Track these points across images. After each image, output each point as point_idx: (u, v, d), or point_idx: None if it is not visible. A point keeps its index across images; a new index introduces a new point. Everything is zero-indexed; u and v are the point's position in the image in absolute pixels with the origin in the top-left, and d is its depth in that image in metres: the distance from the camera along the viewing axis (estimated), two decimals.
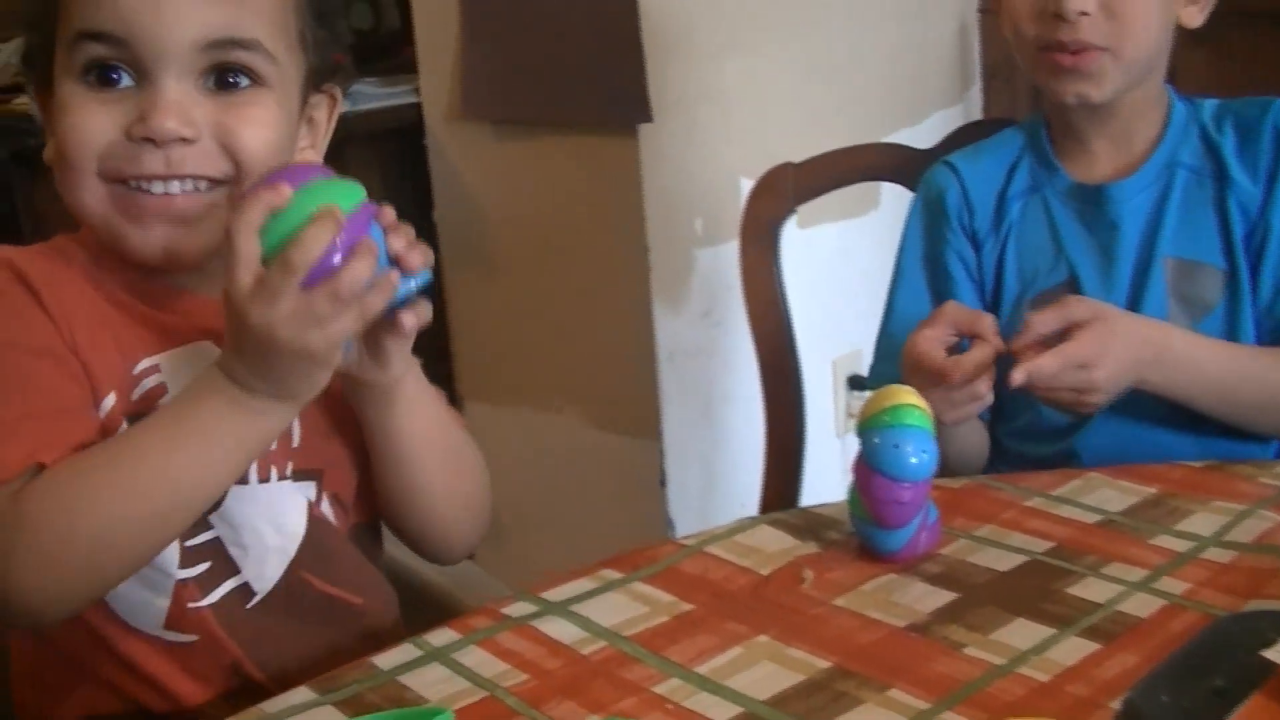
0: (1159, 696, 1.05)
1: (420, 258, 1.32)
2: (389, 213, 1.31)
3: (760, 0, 2.96)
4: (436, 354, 3.16)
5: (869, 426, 1.46)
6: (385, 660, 1.34)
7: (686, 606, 1.42)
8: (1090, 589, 1.39)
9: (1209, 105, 1.92)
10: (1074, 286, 1.88)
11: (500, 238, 3.07)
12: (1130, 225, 1.88)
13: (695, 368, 2.97)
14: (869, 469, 1.45)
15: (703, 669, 1.30)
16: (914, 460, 1.43)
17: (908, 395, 1.46)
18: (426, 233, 3.06)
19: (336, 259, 1.23)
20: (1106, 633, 1.31)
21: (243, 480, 1.40)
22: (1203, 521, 1.51)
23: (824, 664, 1.29)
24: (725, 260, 2.80)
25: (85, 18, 1.33)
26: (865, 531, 1.48)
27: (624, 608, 1.39)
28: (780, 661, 1.31)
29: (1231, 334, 1.84)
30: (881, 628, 1.35)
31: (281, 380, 1.28)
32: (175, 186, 1.36)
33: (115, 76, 1.34)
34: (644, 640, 1.36)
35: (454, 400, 3.21)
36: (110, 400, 1.35)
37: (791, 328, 2.23)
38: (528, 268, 3.05)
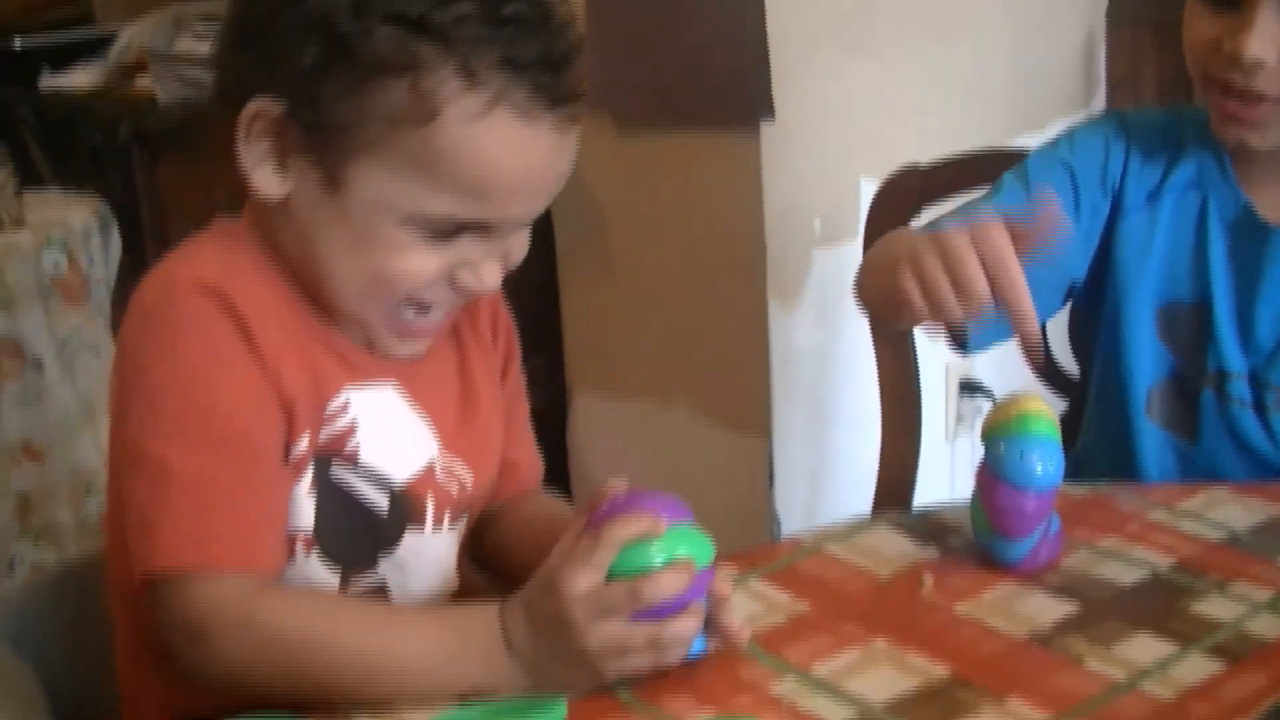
0: None
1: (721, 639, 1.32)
2: (724, 585, 1.33)
3: (887, 5, 2.93)
4: (548, 344, 3.16)
5: (995, 434, 1.44)
6: None
7: (803, 606, 1.41)
8: (1214, 607, 1.37)
9: None
10: (1204, 313, 1.78)
11: (617, 232, 3.07)
12: None
13: (808, 368, 2.95)
14: (993, 477, 1.43)
15: (819, 671, 1.29)
16: (1039, 470, 1.41)
17: (1035, 403, 1.45)
18: (543, 224, 3.07)
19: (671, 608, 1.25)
20: (1232, 653, 1.28)
21: (418, 523, 1.41)
22: None
23: (942, 671, 1.28)
24: (842, 261, 2.77)
25: (465, 208, 1.28)
26: (987, 540, 1.47)
27: (741, 605, 1.37)
28: (898, 666, 1.29)
29: None
30: (1001, 638, 1.34)
31: (548, 672, 1.26)
32: (445, 313, 1.39)
33: (459, 233, 1.31)
34: (760, 639, 1.35)
35: (563, 390, 3.20)
36: (303, 444, 1.33)
37: (911, 332, 2.20)
38: (643, 262, 3.04)
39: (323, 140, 1.28)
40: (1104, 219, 1.84)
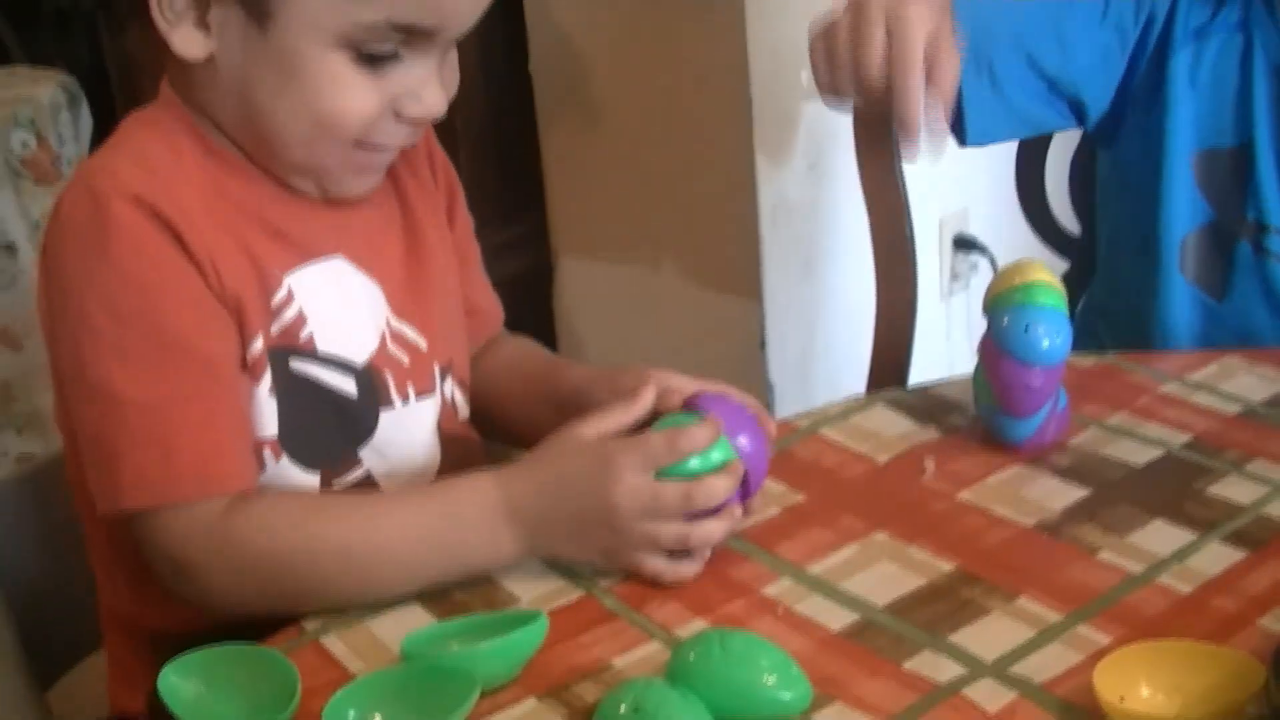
0: None
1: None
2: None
3: None
4: (531, 207, 3.09)
5: (998, 305, 1.37)
6: None
7: (798, 497, 1.34)
8: (1233, 488, 1.30)
9: None
10: (1245, 157, 1.70)
11: (597, 89, 2.98)
12: None
13: (799, 223, 2.88)
14: (998, 351, 1.35)
15: (816, 569, 1.23)
16: (1046, 344, 1.34)
17: (1040, 272, 1.37)
18: (521, 83, 2.99)
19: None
20: (1253, 539, 1.22)
21: (388, 402, 1.36)
22: None
23: (947, 566, 1.22)
24: (831, 114, 2.69)
25: (402, 9, 1.21)
26: (991, 418, 1.40)
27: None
28: (900, 562, 1.23)
29: None
30: (1009, 527, 1.27)
31: (554, 537, 1.24)
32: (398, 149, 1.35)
33: (394, 57, 1.25)
34: (754, 535, 1.28)
35: (547, 255, 3.14)
36: (258, 343, 1.28)
37: (904, 182, 2.12)
38: (626, 120, 2.96)
39: None
40: (1131, 44, 1.75)
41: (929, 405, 1.50)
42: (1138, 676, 1.01)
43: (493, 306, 1.58)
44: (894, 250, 2.13)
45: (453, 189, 1.52)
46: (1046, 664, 1.08)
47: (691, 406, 1.28)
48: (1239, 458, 1.35)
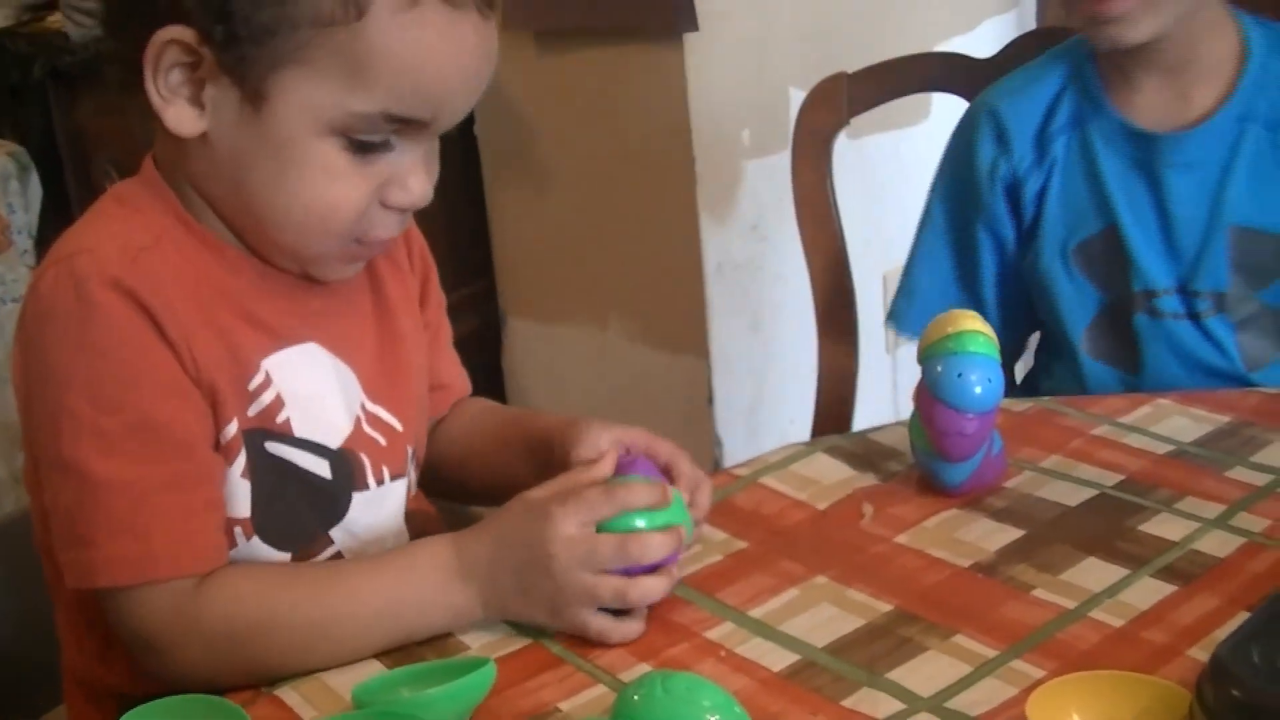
0: (1249, 655, 0.99)
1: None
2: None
3: None
4: (479, 269, 3.11)
5: (931, 354, 1.39)
6: None
7: (740, 544, 1.37)
8: (1164, 526, 1.33)
9: None
10: (1115, 237, 1.77)
11: (543, 151, 3.01)
12: (1192, 186, 1.74)
13: (743, 282, 2.91)
14: (931, 398, 1.38)
15: (758, 613, 1.25)
16: (979, 390, 1.37)
17: (971, 321, 1.40)
18: (467, 147, 3.01)
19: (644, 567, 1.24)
20: (1183, 573, 1.25)
21: (364, 486, 1.37)
22: None
23: (886, 607, 1.24)
24: (774, 172, 2.73)
25: (400, 100, 1.21)
26: (927, 463, 1.42)
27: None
28: (840, 604, 1.25)
29: None
30: (946, 567, 1.30)
31: (505, 600, 1.25)
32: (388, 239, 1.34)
33: (385, 146, 1.25)
34: (696, 582, 1.31)
35: (496, 317, 3.15)
36: (232, 428, 1.28)
37: (844, 241, 2.16)
38: (571, 182, 2.99)
39: (241, 56, 1.20)
40: (1007, 210, 1.86)
41: (868, 452, 1.52)
42: (1069, 707, 1.04)
43: (460, 380, 1.59)
44: (835, 305, 2.16)
45: (427, 270, 1.52)
46: (982, 698, 1.10)
47: (620, 469, 1.31)
48: (1170, 496, 1.38)
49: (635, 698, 1.04)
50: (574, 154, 2.97)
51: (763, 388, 2.99)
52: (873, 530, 1.37)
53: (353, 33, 1.18)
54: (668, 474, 1.35)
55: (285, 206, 1.25)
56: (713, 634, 1.23)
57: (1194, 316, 1.73)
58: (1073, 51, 1.84)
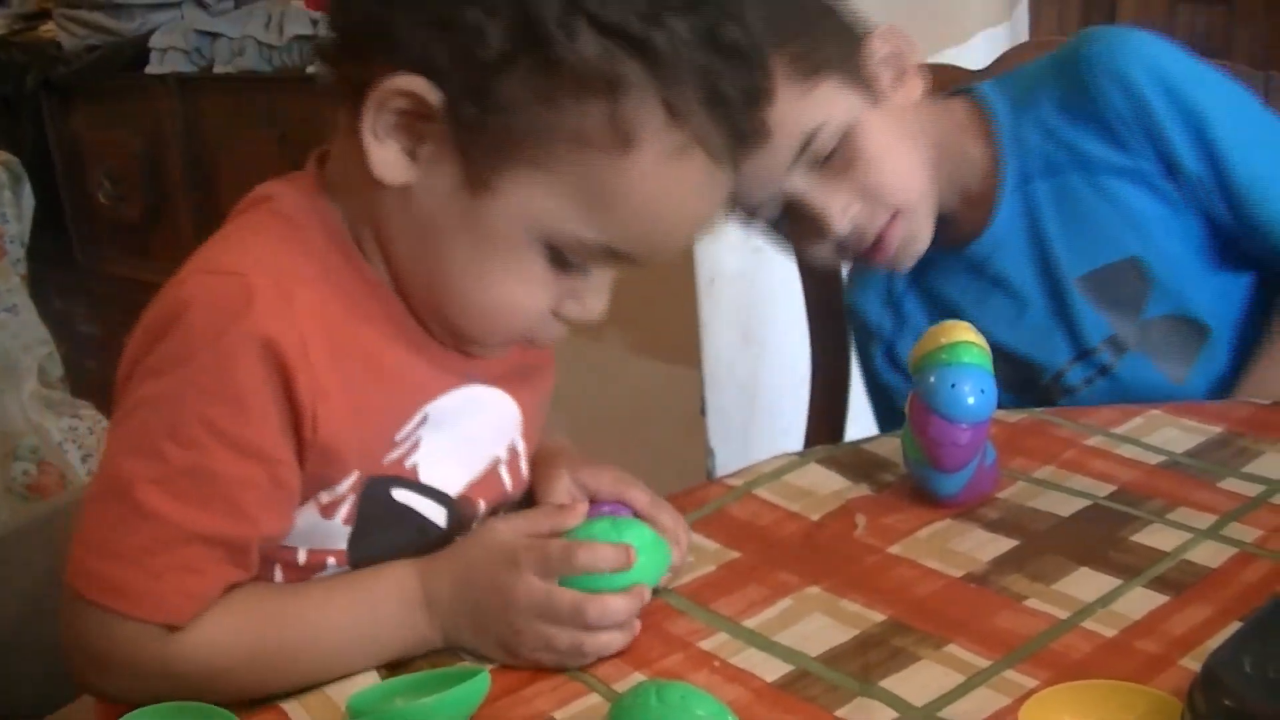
0: (1241, 665, 0.99)
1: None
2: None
3: None
4: None
5: (924, 365, 1.40)
6: None
7: (734, 555, 1.37)
8: (1156, 536, 1.33)
9: (1025, 93, 1.75)
10: (1000, 350, 1.67)
11: None
12: (1021, 268, 1.76)
13: (736, 293, 2.91)
14: (925, 408, 1.39)
15: (752, 623, 1.25)
16: (972, 400, 1.37)
17: (964, 331, 1.40)
18: None
19: None
20: (1175, 583, 1.25)
21: (469, 528, 1.32)
22: (1272, 463, 1.45)
23: (879, 617, 1.24)
24: None
25: (626, 240, 1.19)
26: (920, 474, 1.43)
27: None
28: (833, 615, 1.25)
29: (1180, 300, 1.72)
30: (939, 578, 1.30)
31: (462, 635, 1.24)
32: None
33: (583, 268, 1.22)
34: (690, 592, 1.31)
35: None
36: (347, 482, 1.23)
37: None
38: None
39: (481, 141, 1.15)
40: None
41: (861, 462, 1.53)
42: (1062, 717, 1.04)
43: None
44: (827, 316, 2.17)
45: None
46: (975, 708, 1.11)
47: (597, 510, 1.30)
48: (1162, 506, 1.38)
49: (629, 707, 1.05)
50: None
51: (756, 398, 2.99)
52: (866, 541, 1.38)
53: (610, 163, 1.14)
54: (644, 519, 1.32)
55: (469, 293, 1.22)
56: (706, 644, 1.23)
57: (1104, 371, 1.74)
58: None
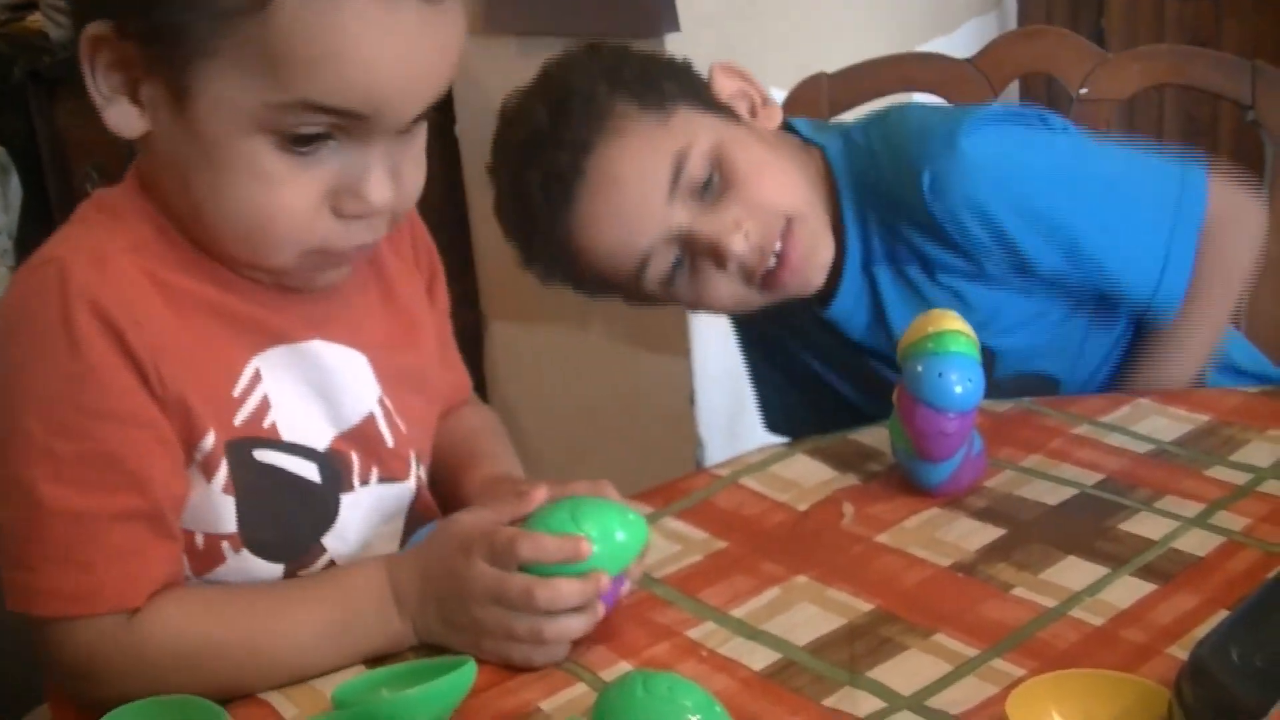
0: (1228, 654, 0.99)
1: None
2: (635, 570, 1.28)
3: None
4: (460, 272, 3.11)
5: (911, 354, 1.40)
6: None
7: (721, 544, 1.37)
8: (1143, 525, 1.33)
9: (867, 176, 1.67)
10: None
11: None
12: (873, 338, 1.72)
13: None
14: (911, 399, 1.39)
15: (739, 612, 1.25)
16: (959, 390, 1.37)
17: (951, 321, 1.40)
18: (449, 149, 3.01)
19: None
20: (1162, 572, 1.25)
21: (349, 487, 1.33)
22: (1259, 451, 1.45)
23: (866, 607, 1.24)
24: None
25: (325, 90, 1.14)
26: (908, 463, 1.43)
27: (656, 547, 1.33)
28: (820, 604, 1.25)
29: (1027, 365, 1.71)
30: (926, 567, 1.30)
31: (432, 630, 1.24)
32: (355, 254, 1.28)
33: (324, 139, 1.17)
34: (677, 582, 1.31)
35: (478, 320, 3.15)
36: (209, 441, 1.23)
37: None
38: None
39: (159, 52, 1.15)
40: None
41: (848, 452, 1.53)
42: (1048, 706, 1.04)
43: (462, 376, 1.58)
44: None
45: (434, 268, 1.49)
46: (962, 697, 1.11)
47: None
48: (1150, 495, 1.38)
49: (615, 698, 1.04)
50: None
51: (744, 389, 2.98)
52: (853, 530, 1.38)
53: (259, 22, 1.11)
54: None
55: (226, 214, 1.20)
56: (693, 634, 1.23)
57: None
58: None
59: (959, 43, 3.09)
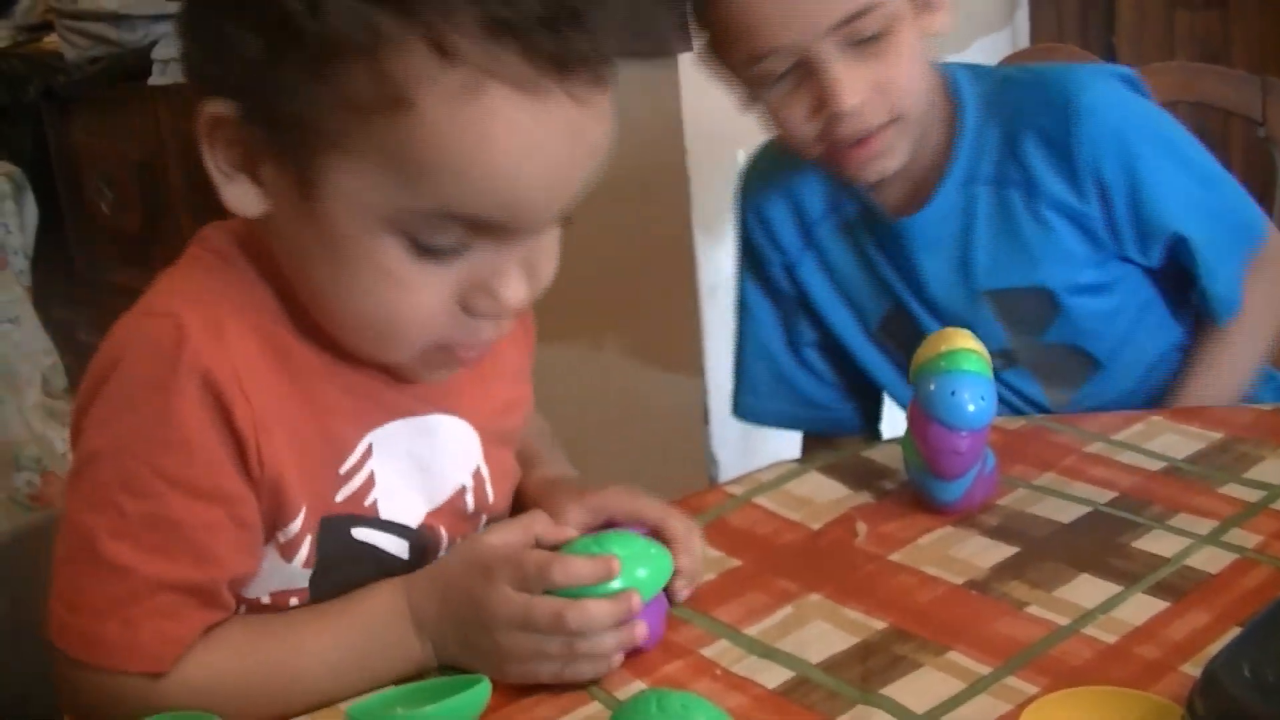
0: (1240, 669, 0.99)
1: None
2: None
3: None
4: None
5: (924, 372, 1.40)
6: None
7: (734, 563, 1.37)
8: (1157, 542, 1.33)
9: (1001, 96, 1.74)
10: (904, 313, 1.77)
11: None
12: (937, 263, 1.74)
13: None
14: (925, 416, 1.39)
15: (753, 631, 1.25)
16: (972, 408, 1.37)
17: (964, 339, 1.40)
18: None
19: None
20: (1175, 589, 1.25)
21: (433, 559, 1.30)
22: (1273, 468, 1.45)
23: (880, 625, 1.24)
24: None
25: (465, 200, 1.09)
26: (920, 481, 1.43)
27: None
28: (834, 622, 1.25)
29: (1080, 335, 1.73)
30: (939, 585, 1.30)
31: (453, 653, 1.22)
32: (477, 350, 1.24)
33: (458, 249, 1.13)
34: (691, 600, 1.31)
35: None
36: (298, 523, 1.21)
37: None
38: None
39: (287, 140, 1.11)
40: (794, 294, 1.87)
41: (861, 470, 1.53)
42: None
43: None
44: None
45: (531, 336, 1.47)
46: (976, 715, 1.11)
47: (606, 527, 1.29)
48: (1162, 512, 1.38)
49: (630, 716, 1.05)
50: None
51: None
52: (866, 548, 1.38)
53: (400, 123, 1.06)
54: (658, 535, 1.29)
55: (348, 309, 1.16)
56: (708, 652, 1.23)
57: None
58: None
59: (970, 59, 3.10)
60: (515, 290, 1.16)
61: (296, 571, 1.24)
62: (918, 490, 1.44)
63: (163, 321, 1.15)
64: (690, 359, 2.89)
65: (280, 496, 1.19)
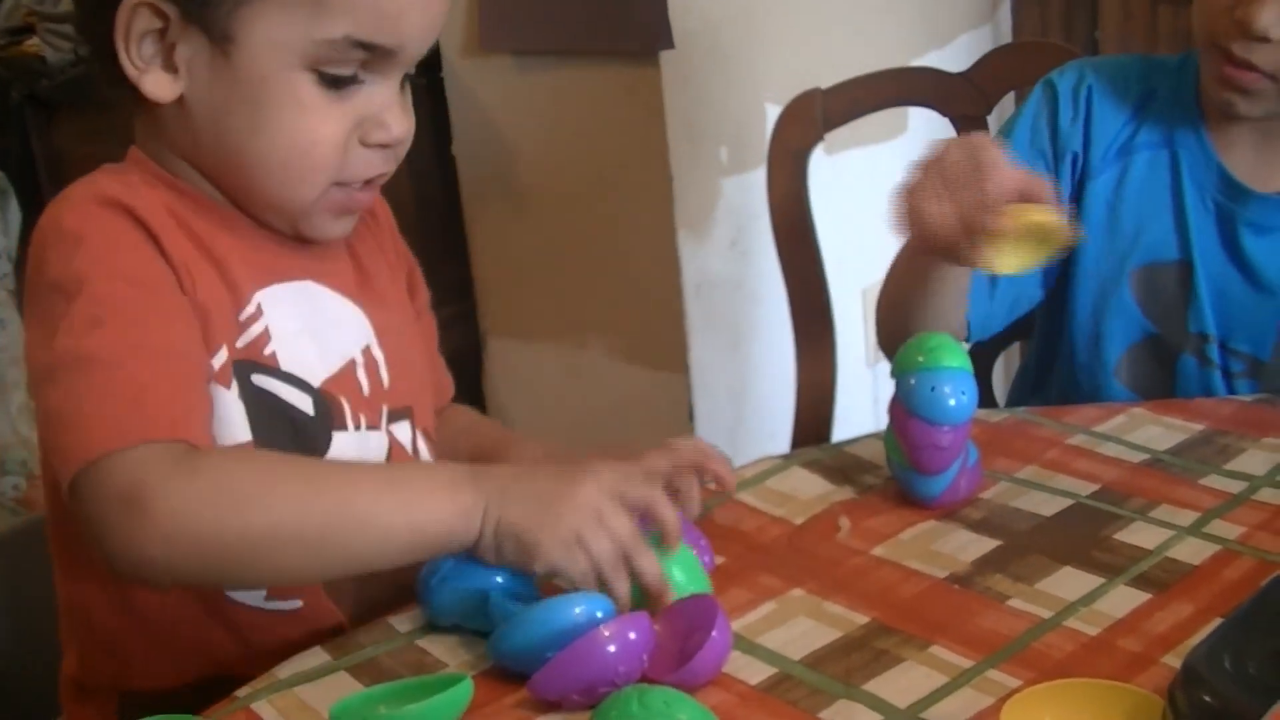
0: (1221, 661, 0.99)
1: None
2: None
3: None
4: (459, 291, 3.11)
5: (905, 368, 1.40)
6: (403, 622, 1.29)
7: (717, 559, 1.37)
8: (1139, 534, 1.33)
9: None
10: (1186, 273, 1.75)
11: (521, 171, 3.02)
12: (1264, 250, 1.72)
13: (722, 299, 2.91)
14: (906, 412, 1.39)
15: (735, 626, 1.24)
16: (953, 403, 1.37)
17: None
18: (445, 167, 3.02)
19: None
20: (1158, 582, 1.25)
21: (342, 426, 1.37)
22: (1255, 460, 1.45)
23: (863, 619, 1.24)
24: (751, 189, 2.73)
25: (362, 25, 1.27)
26: (903, 476, 1.43)
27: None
28: (817, 617, 1.25)
29: None
30: (922, 579, 1.30)
31: (514, 503, 1.23)
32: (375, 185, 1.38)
33: (355, 80, 1.30)
34: None
35: (477, 337, 3.16)
36: (222, 355, 1.29)
37: (820, 257, 2.16)
38: (550, 201, 2.99)
39: (205, 9, 1.25)
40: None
41: (844, 465, 1.53)
42: (1044, 715, 1.04)
43: (446, 382, 1.60)
44: (812, 321, 2.17)
45: (411, 264, 1.56)
46: (959, 708, 1.11)
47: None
48: (1145, 505, 1.38)
49: (611, 714, 1.04)
50: (552, 173, 2.98)
51: (743, 404, 2.99)
52: (849, 543, 1.38)
53: None
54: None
55: (267, 148, 1.30)
56: None
57: (1227, 374, 1.73)
58: (1171, 71, 1.80)
59: (953, 56, 3.10)
60: (400, 120, 1.33)
61: (233, 406, 1.30)
62: (900, 485, 1.44)
63: (74, 188, 1.29)
64: (675, 357, 2.89)
65: (206, 323, 1.29)
